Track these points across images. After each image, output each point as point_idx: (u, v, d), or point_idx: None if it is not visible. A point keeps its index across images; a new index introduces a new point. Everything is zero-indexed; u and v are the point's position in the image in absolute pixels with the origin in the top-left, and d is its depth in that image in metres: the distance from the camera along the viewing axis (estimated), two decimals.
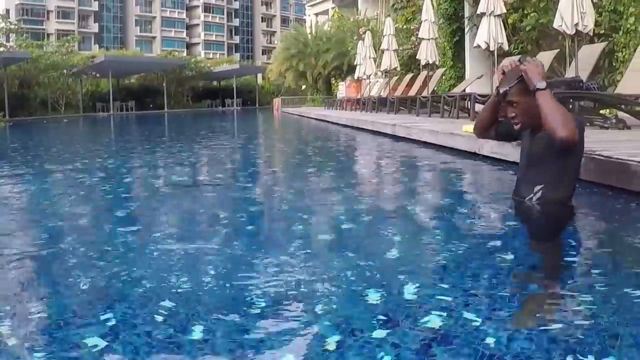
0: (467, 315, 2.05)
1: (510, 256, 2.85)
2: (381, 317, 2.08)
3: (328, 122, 20.60)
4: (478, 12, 12.05)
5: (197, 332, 2.01)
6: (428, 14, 15.93)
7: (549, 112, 3.36)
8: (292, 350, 1.85)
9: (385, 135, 11.57)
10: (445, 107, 13.40)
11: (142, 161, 9.13)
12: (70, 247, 3.35)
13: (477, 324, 1.97)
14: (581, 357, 1.70)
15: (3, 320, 2.18)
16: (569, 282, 2.52)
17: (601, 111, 8.36)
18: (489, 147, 6.41)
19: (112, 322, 2.11)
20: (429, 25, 15.91)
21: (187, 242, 3.39)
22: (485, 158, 6.53)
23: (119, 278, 2.67)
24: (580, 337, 1.87)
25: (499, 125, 4.02)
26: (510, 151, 5.89)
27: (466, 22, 16.54)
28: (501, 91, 3.64)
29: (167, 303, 2.29)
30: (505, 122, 3.89)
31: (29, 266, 3.01)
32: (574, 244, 3.22)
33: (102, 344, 1.92)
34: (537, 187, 3.61)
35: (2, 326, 2.12)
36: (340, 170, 7.38)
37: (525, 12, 13.49)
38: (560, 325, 1.95)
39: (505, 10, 11.94)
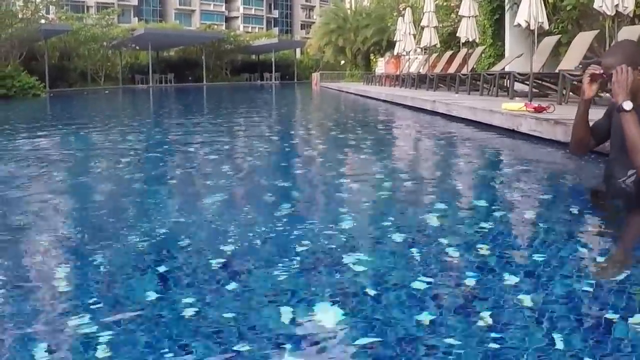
0: None
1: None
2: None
3: (367, 97, 20.86)
4: None
5: (242, 283, 2.25)
6: None
7: (631, 142, 3.37)
8: (336, 301, 2.04)
9: (424, 111, 11.83)
10: (485, 85, 13.57)
11: (194, 127, 9.52)
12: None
13: None
14: None
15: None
16: None
17: None
18: (527, 125, 6.68)
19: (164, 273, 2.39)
20: (469, 2, 16.01)
21: (239, 203, 3.79)
22: (523, 135, 6.78)
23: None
24: None
25: (592, 131, 3.91)
26: (547, 129, 6.17)
27: (507, 0, 16.57)
28: (604, 67, 3.60)
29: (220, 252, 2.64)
30: (597, 124, 3.91)
31: (80, 221, 3.42)
32: None
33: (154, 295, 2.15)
34: (631, 171, 3.58)
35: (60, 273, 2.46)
36: (385, 141, 7.70)
37: None
38: None
39: None
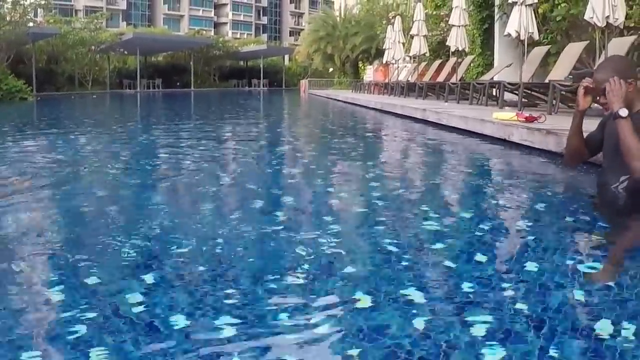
0: None
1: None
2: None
3: (357, 105, 20.89)
4: (509, 0, 12.18)
5: (234, 295, 2.16)
6: (459, 0, 16.07)
7: (626, 147, 3.47)
8: (326, 310, 2.01)
9: (414, 119, 11.83)
10: (474, 94, 13.61)
11: (180, 134, 9.48)
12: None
13: None
14: None
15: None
16: None
17: None
18: (519, 134, 6.69)
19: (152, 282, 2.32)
20: (459, 12, 16.07)
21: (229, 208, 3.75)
22: (514, 144, 6.78)
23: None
24: None
25: (587, 142, 4.03)
26: (539, 138, 6.18)
27: (496, 10, 16.64)
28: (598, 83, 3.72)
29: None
30: (591, 136, 4.00)
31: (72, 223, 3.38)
32: None
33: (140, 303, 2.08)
34: (623, 177, 3.65)
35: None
36: (377, 149, 7.68)
37: (556, 2, 13.57)
38: None
39: (536, 0, 12.04)
